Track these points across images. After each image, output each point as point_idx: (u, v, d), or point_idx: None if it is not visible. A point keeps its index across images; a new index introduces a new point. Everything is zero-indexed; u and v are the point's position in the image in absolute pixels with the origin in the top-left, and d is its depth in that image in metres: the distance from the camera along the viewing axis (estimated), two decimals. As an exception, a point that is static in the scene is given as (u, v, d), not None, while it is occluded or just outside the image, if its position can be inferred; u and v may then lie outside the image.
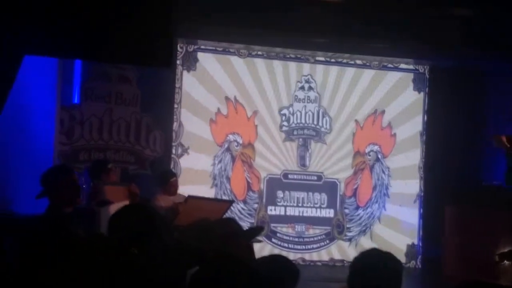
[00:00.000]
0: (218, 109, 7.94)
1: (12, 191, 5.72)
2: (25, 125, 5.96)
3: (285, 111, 8.22)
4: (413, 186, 8.59)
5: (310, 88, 8.31)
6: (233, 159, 7.99)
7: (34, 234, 3.60)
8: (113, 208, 3.78)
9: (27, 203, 5.17)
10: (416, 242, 8.55)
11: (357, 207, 8.42)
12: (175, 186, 6.46)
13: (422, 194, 8.59)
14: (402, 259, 8.40)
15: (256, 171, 8.08)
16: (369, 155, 8.48)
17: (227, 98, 7.98)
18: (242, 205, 8.00)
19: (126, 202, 4.60)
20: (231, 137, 7.99)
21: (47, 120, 6.50)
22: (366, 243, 8.21)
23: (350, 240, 8.38)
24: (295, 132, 8.27)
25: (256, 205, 8.07)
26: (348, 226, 8.37)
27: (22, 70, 4.83)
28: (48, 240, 3.46)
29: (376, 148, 8.51)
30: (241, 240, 2.69)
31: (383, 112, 8.52)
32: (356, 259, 2.56)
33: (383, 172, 8.52)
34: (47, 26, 4.31)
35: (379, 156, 8.52)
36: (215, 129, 7.94)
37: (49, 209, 3.94)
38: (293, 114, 8.25)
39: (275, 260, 2.93)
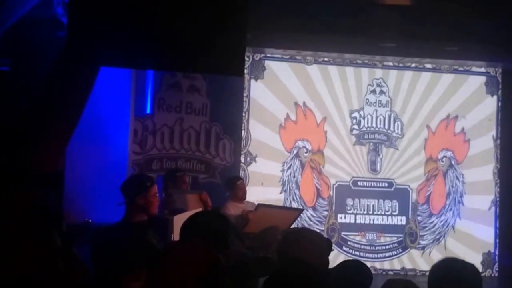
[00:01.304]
0: (287, 114, 7.96)
1: (88, 200, 5.91)
2: (100, 136, 6.17)
3: (355, 114, 8.16)
4: (488, 192, 8.33)
5: (382, 92, 8.22)
6: (302, 165, 7.98)
7: (111, 243, 3.70)
8: (186, 216, 3.84)
9: (102, 212, 5.34)
10: (492, 250, 8.29)
11: (431, 215, 8.24)
12: (243, 189, 6.50)
13: (497, 200, 8.32)
14: (478, 267, 8.12)
15: (325, 177, 8.04)
16: (442, 161, 8.30)
17: (296, 104, 7.99)
18: (311, 211, 7.98)
19: (199, 210, 4.67)
20: (300, 143, 7.99)
21: (122, 130, 6.69)
22: (440, 252, 8.03)
23: (423, 248, 8.20)
24: (365, 136, 8.19)
25: (325, 212, 8.03)
26: (421, 234, 8.20)
27: (98, 82, 5.01)
28: (125, 249, 3.55)
29: (449, 154, 8.32)
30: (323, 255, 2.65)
31: (456, 117, 8.33)
32: (434, 268, 2.51)
33: (457, 178, 8.32)
34: (123, 38, 4.45)
35: (453, 162, 8.32)
36: (284, 135, 7.96)
37: (124, 218, 4.03)
38: (363, 118, 8.17)
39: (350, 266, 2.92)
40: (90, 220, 5.55)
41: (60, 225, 4.55)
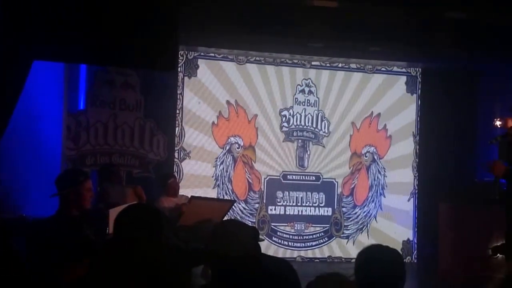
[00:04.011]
0: (220, 112, 8.18)
1: (22, 195, 5.90)
2: (33, 131, 6.14)
3: (285, 112, 8.45)
4: (407, 184, 8.81)
5: (310, 92, 8.53)
6: (235, 160, 8.23)
7: (45, 236, 3.74)
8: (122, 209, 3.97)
9: (36, 207, 5.37)
10: (411, 238, 8.79)
11: (354, 206, 8.66)
12: (174, 187, 6.64)
13: (416, 192, 8.82)
14: (400, 253, 8.59)
15: (256, 172, 8.31)
16: (366, 156, 8.72)
17: (228, 102, 8.21)
18: (243, 204, 8.24)
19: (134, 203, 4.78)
20: (232, 139, 8.23)
21: (55, 126, 6.67)
22: (363, 240, 8.43)
23: (347, 237, 8.61)
24: (294, 134, 8.50)
25: (257, 205, 8.31)
26: (345, 224, 8.60)
27: (31, 78, 5.02)
28: (59, 242, 3.60)
29: (372, 149, 8.74)
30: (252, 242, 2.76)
31: (378, 115, 8.75)
32: (360, 253, 2.62)
33: (379, 172, 8.76)
34: (56, 32, 4.50)
35: (375, 157, 8.75)
36: (217, 132, 8.17)
37: (58, 211, 4.10)
38: (293, 116, 8.48)
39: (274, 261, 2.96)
40: (25, 215, 5.55)
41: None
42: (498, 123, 7.66)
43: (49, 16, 4.49)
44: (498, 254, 6.82)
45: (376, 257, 2.55)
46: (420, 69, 8.92)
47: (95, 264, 2.41)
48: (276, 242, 8.35)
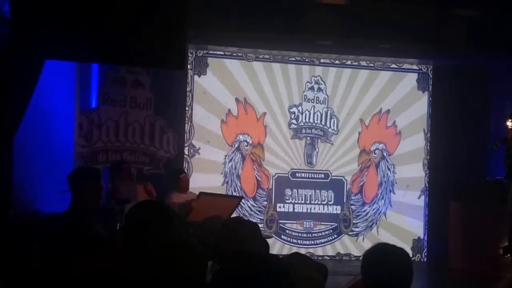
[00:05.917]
0: (229, 110, 8.25)
1: (35, 191, 5.99)
2: (46, 129, 6.24)
3: (294, 109, 8.49)
4: (418, 182, 8.81)
5: (320, 89, 8.56)
6: (243, 158, 8.29)
7: (55, 230, 3.83)
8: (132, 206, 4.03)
9: (49, 202, 5.47)
10: (421, 236, 8.79)
11: (364, 204, 8.67)
12: (185, 182, 6.75)
13: (427, 190, 8.81)
14: (408, 253, 8.59)
15: (265, 169, 8.37)
16: (375, 153, 8.73)
17: (237, 100, 8.26)
18: (252, 202, 8.30)
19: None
20: (241, 137, 8.28)
21: (67, 124, 6.78)
22: (373, 238, 8.45)
23: (357, 235, 8.63)
24: (303, 131, 8.53)
25: (265, 202, 8.36)
26: (355, 221, 8.62)
27: (43, 76, 5.11)
28: (70, 237, 3.69)
29: (381, 146, 8.75)
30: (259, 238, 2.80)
31: (387, 111, 8.76)
32: (366, 253, 2.57)
33: (389, 169, 8.76)
34: (68, 32, 4.57)
35: (384, 154, 8.75)
36: (226, 129, 8.24)
37: (70, 207, 4.19)
38: (302, 113, 8.51)
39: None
40: (39, 210, 5.64)
41: (6, 213, 4.65)
42: (509, 123, 7.65)
43: (60, 16, 4.56)
44: (509, 254, 6.83)
45: (382, 257, 2.49)
46: (431, 66, 8.91)
47: (103, 259, 2.51)
48: (284, 239, 8.40)
